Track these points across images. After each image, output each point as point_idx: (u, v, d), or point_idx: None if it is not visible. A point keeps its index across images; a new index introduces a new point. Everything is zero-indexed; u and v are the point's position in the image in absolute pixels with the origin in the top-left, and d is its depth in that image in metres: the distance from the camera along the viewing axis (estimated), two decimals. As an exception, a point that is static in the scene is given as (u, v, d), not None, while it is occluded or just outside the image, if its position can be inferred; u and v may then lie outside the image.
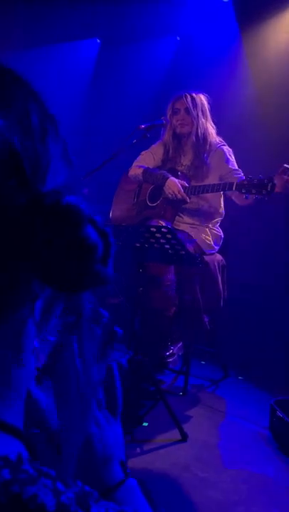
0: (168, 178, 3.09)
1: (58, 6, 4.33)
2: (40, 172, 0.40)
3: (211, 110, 3.22)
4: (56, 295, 0.44)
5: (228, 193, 3.06)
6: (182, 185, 3.07)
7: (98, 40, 5.15)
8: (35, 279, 0.39)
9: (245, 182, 2.75)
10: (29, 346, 0.41)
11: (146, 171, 3.26)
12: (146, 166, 3.33)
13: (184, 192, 3.05)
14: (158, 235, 2.42)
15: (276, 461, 2.38)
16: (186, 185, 3.11)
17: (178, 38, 4.93)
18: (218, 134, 3.27)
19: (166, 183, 3.08)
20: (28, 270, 0.37)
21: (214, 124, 3.26)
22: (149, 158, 3.39)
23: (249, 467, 2.31)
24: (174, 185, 3.05)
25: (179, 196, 3.03)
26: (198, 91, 3.21)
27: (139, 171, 3.28)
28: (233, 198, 3.10)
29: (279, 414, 2.51)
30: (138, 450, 2.34)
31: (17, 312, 0.40)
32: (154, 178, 3.20)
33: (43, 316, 0.43)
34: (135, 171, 3.32)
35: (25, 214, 0.36)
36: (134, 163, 3.38)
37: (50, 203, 0.36)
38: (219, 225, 3.30)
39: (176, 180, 3.08)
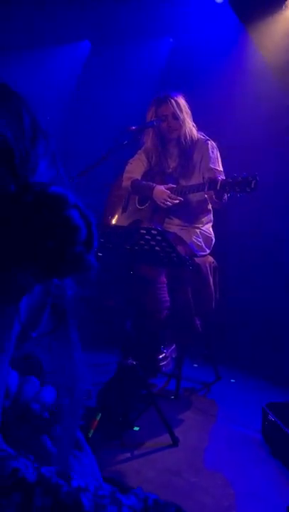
0: (154, 187, 3.11)
1: (48, 9, 4.31)
2: (29, 167, 0.44)
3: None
4: (44, 297, 0.46)
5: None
6: (169, 188, 3.06)
7: (89, 43, 5.12)
8: (22, 273, 0.41)
9: (230, 180, 2.74)
10: (13, 339, 0.44)
11: (134, 183, 3.28)
12: (137, 175, 3.33)
13: (172, 194, 3.04)
14: (148, 237, 2.40)
15: (268, 465, 2.35)
16: (174, 186, 3.11)
17: (171, 40, 4.92)
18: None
19: (154, 193, 3.10)
20: (16, 255, 0.39)
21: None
22: (138, 165, 3.38)
23: (241, 471, 2.28)
24: (162, 192, 3.07)
25: (169, 202, 3.04)
26: (176, 92, 3.19)
27: (128, 182, 3.30)
28: (207, 198, 3.08)
29: (271, 417, 2.48)
30: (128, 455, 2.31)
31: (11, 303, 0.42)
32: (141, 190, 3.23)
33: (31, 316, 0.45)
34: (126, 182, 3.34)
35: (14, 199, 0.39)
36: (125, 174, 3.38)
37: (38, 191, 0.40)
38: (211, 227, 3.29)
39: (162, 187, 3.09)
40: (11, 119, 0.45)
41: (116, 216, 3.41)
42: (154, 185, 3.12)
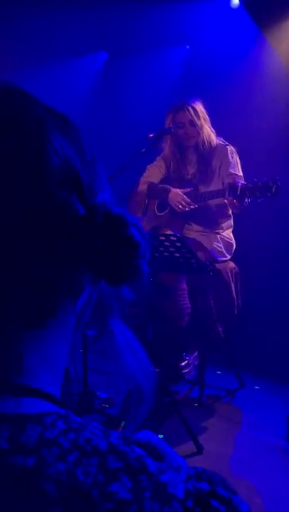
0: (170, 190, 3.12)
1: (63, 21, 4.36)
2: (93, 191, 0.50)
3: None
4: (93, 291, 0.53)
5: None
6: (188, 193, 3.06)
7: (105, 53, 5.17)
8: (86, 276, 0.48)
9: (250, 185, 2.72)
10: (70, 334, 0.50)
11: (150, 186, 3.29)
12: (154, 180, 3.35)
13: (190, 199, 3.04)
14: (167, 244, 2.40)
15: (294, 473, 2.31)
16: (191, 189, 3.13)
17: (187, 47, 4.92)
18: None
19: (169, 196, 3.12)
20: (84, 269, 0.47)
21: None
22: (155, 171, 3.39)
23: (267, 479, 2.25)
24: (177, 195, 3.09)
25: (185, 205, 3.05)
26: (194, 98, 3.19)
27: (145, 186, 3.32)
28: (226, 203, 3.06)
29: (296, 424, 2.44)
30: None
31: (68, 309, 0.49)
32: (157, 193, 3.24)
33: (82, 310, 0.52)
34: (142, 186, 3.35)
35: (84, 221, 0.46)
36: (142, 179, 3.40)
37: (103, 213, 0.47)
38: (231, 232, 3.27)
39: (178, 191, 3.10)
40: (75, 147, 0.50)
41: None
42: (170, 188, 3.14)
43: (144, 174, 3.41)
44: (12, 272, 0.44)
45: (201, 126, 3.12)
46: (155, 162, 3.41)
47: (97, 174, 0.52)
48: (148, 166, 3.42)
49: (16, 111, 0.48)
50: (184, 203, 3.06)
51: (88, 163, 0.51)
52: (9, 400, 0.41)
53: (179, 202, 3.07)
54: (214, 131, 3.21)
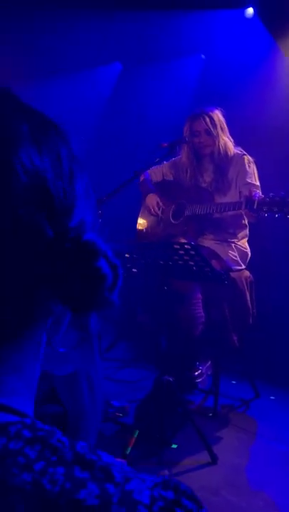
0: (148, 193, 3.39)
1: (78, 33, 4.41)
2: (66, 210, 0.46)
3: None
4: (64, 312, 0.51)
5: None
6: (203, 203, 3.09)
7: (120, 64, 5.21)
8: (52, 299, 0.46)
9: (267, 199, 2.70)
10: (42, 351, 0.49)
11: (143, 181, 3.47)
12: (153, 178, 3.50)
13: (206, 209, 3.04)
14: (181, 252, 2.39)
15: (311, 485, 2.28)
16: (162, 206, 3.38)
17: (203, 57, 4.94)
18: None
19: (146, 198, 3.39)
20: (48, 292, 0.45)
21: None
22: (156, 173, 3.49)
23: (283, 491, 2.21)
24: (152, 198, 3.37)
25: (153, 211, 3.35)
26: (213, 107, 3.20)
27: (141, 178, 3.45)
28: (242, 213, 3.05)
29: (312, 435, 2.41)
30: (166, 472, 2.28)
31: (38, 325, 0.47)
32: (143, 189, 3.47)
33: (52, 328, 0.51)
34: (141, 177, 3.45)
35: (51, 245, 0.43)
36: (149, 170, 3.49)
37: (73, 238, 0.44)
38: (247, 242, 3.25)
39: (154, 196, 3.38)
40: (49, 157, 0.46)
41: (150, 228, 3.43)
42: (151, 191, 3.40)
43: (152, 168, 3.44)
44: None
45: (217, 135, 3.12)
46: (163, 165, 3.45)
47: (74, 189, 0.48)
48: (155, 167, 3.46)
49: None
50: (155, 208, 3.35)
51: (65, 177, 0.47)
52: None
53: (152, 206, 3.34)
54: (232, 140, 3.21)
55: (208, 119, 3.12)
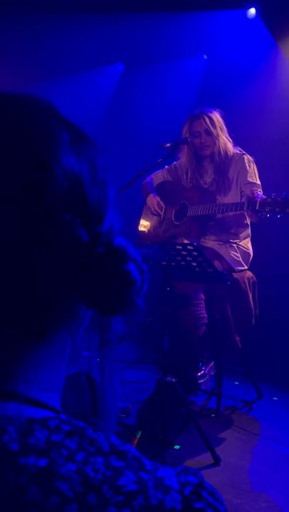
0: (149, 194, 3.44)
1: (80, 34, 4.40)
2: (99, 216, 0.49)
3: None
4: (86, 314, 0.53)
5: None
6: (205, 204, 3.09)
7: (121, 65, 5.20)
8: (80, 303, 0.48)
9: (270, 200, 2.70)
10: (67, 351, 0.52)
11: (145, 184, 3.53)
12: (153, 182, 3.54)
13: (208, 210, 3.04)
14: (184, 253, 2.39)
15: (314, 486, 2.27)
16: (162, 205, 3.39)
17: (205, 57, 4.94)
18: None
19: (147, 198, 3.43)
20: (76, 294, 0.47)
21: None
22: (158, 178, 3.52)
23: (285, 493, 2.21)
24: (152, 199, 3.40)
25: (154, 210, 3.39)
26: (212, 108, 3.20)
27: (145, 181, 3.52)
28: (245, 213, 3.04)
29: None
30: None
31: (65, 325, 0.50)
32: (143, 191, 3.51)
33: (76, 330, 0.53)
34: (145, 181, 3.53)
35: (85, 249, 0.46)
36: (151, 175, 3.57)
37: (105, 243, 0.47)
38: (249, 242, 3.25)
39: (155, 196, 3.41)
40: (86, 165, 0.48)
41: (152, 230, 3.44)
42: (151, 192, 3.45)
43: (154, 173, 3.52)
44: (10, 289, 0.44)
45: (217, 135, 3.12)
46: (164, 169, 3.50)
47: (106, 197, 0.51)
48: (165, 167, 3.50)
49: (29, 123, 0.46)
50: (156, 207, 3.37)
51: (99, 185, 0.50)
52: (13, 407, 0.43)
53: (152, 205, 3.38)
54: (231, 140, 3.21)
55: (207, 120, 3.12)
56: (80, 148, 0.49)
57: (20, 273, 0.44)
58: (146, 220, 3.51)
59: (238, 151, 3.19)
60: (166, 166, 3.48)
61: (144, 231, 3.49)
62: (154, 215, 3.43)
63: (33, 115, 0.48)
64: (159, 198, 3.39)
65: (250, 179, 3.09)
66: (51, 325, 0.48)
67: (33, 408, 0.44)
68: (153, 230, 3.44)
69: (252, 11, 4.39)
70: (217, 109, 3.21)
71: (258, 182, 3.11)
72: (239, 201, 2.97)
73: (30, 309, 0.45)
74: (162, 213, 3.39)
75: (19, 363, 0.46)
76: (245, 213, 2.99)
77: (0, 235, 0.43)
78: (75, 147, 0.48)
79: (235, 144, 3.25)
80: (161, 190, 3.44)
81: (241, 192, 3.09)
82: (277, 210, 2.67)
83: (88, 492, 0.38)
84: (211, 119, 3.12)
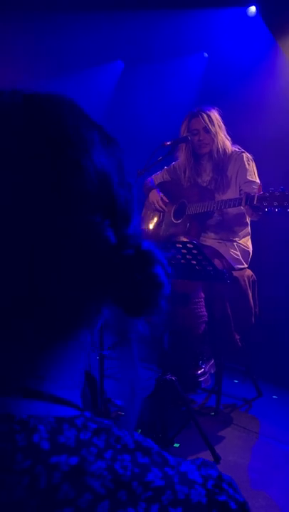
0: (151, 190, 3.44)
1: (80, 32, 4.39)
2: (126, 217, 0.50)
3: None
4: (105, 313, 0.54)
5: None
6: (203, 201, 3.09)
7: (121, 63, 5.19)
8: (104, 303, 0.49)
9: (267, 194, 2.70)
10: (87, 349, 0.52)
11: (145, 184, 3.54)
12: (154, 182, 3.54)
13: (206, 208, 3.04)
14: (184, 251, 2.39)
15: (313, 484, 2.27)
16: (166, 200, 3.38)
17: (205, 55, 4.92)
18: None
19: (149, 195, 3.43)
20: (102, 294, 0.48)
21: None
22: (157, 179, 3.53)
23: (285, 491, 2.21)
24: (155, 195, 3.39)
25: (158, 205, 3.37)
26: (210, 106, 3.20)
27: (146, 181, 3.54)
28: (244, 211, 3.04)
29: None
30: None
31: (88, 325, 0.51)
32: (145, 190, 3.52)
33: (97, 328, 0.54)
34: (146, 180, 3.55)
35: (113, 251, 0.46)
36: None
37: (133, 245, 0.48)
38: (249, 240, 3.24)
39: (157, 192, 3.40)
40: (114, 165, 0.49)
41: (152, 229, 3.44)
42: (152, 188, 3.45)
43: (154, 175, 3.54)
44: (38, 288, 0.44)
45: (216, 133, 3.12)
46: (163, 170, 3.51)
47: (133, 199, 0.51)
48: (157, 173, 3.52)
49: (63, 123, 0.47)
50: (160, 202, 3.36)
51: (126, 186, 0.50)
52: (41, 406, 0.44)
53: (156, 201, 3.36)
54: (230, 139, 3.21)
55: (206, 117, 3.12)
56: (109, 149, 0.50)
57: (48, 272, 0.44)
58: (146, 219, 3.51)
59: (237, 149, 3.19)
60: (166, 167, 3.48)
61: (144, 230, 3.49)
62: (158, 211, 3.42)
63: (67, 115, 0.48)
64: (162, 194, 3.39)
65: (249, 177, 3.09)
66: (76, 324, 0.49)
67: (59, 406, 0.45)
68: (152, 229, 3.44)
69: (252, 9, 4.38)
70: (215, 108, 3.21)
71: (257, 180, 3.11)
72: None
73: (56, 309, 0.46)
74: (166, 209, 3.39)
75: (44, 362, 0.47)
76: (244, 210, 2.99)
77: (32, 234, 0.43)
78: (105, 148, 0.49)
79: (236, 141, 3.25)
80: (160, 190, 3.44)
81: (240, 191, 3.09)
82: (275, 204, 2.67)
83: (119, 489, 0.39)
84: (209, 116, 3.12)
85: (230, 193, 3.13)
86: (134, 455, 0.42)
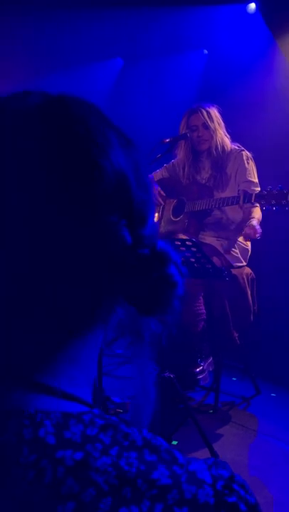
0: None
1: (79, 28, 4.37)
2: (143, 218, 0.50)
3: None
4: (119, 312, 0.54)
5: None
6: (201, 198, 3.09)
7: (121, 60, 5.17)
8: (119, 301, 0.50)
9: (265, 192, 2.70)
10: (99, 346, 0.53)
11: None
12: (155, 177, 3.50)
13: (205, 205, 3.03)
14: (183, 249, 2.39)
15: (311, 482, 2.27)
16: (163, 194, 3.36)
17: (205, 52, 4.91)
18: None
19: None
20: (116, 293, 0.49)
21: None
22: (156, 176, 3.51)
23: (283, 488, 2.21)
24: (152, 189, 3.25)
25: (155, 200, 3.30)
26: (210, 103, 3.20)
27: None
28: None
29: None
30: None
31: (102, 323, 0.51)
32: None
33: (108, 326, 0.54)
34: None
35: (129, 251, 0.47)
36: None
37: (149, 245, 0.49)
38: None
39: (155, 186, 3.34)
40: (131, 166, 0.49)
41: None
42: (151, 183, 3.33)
43: (153, 172, 3.51)
44: (54, 286, 0.45)
45: (215, 129, 3.11)
46: (162, 168, 3.49)
47: (150, 200, 0.52)
48: (156, 171, 3.51)
49: (84, 124, 0.47)
50: (157, 196, 3.32)
51: (142, 187, 0.51)
52: (50, 401, 0.44)
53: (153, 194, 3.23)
54: (229, 136, 3.20)
55: (205, 113, 3.11)
56: (127, 150, 0.50)
57: (64, 271, 0.45)
58: None
59: (237, 147, 3.18)
60: (165, 165, 3.47)
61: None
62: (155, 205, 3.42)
63: (88, 116, 0.49)
64: (159, 188, 3.38)
65: (248, 177, 3.08)
66: (90, 322, 0.49)
67: (69, 402, 0.45)
68: None
69: (252, 5, 4.37)
70: (215, 105, 3.20)
71: (256, 180, 3.11)
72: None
73: (72, 307, 0.47)
74: (163, 203, 3.38)
75: (58, 358, 0.47)
76: (242, 209, 2.99)
77: (50, 232, 0.44)
78: (123, 149, 0.49)
79: (235, 138, 3.24)
80: (159, 187, 3.44)
81: (238, 191, 3.08)
82: (272, 202, 2.67)
83: (123, 485, 0.39)
84: (208, 112, 3.11)
85: (229, 192, 3.12)
86: (142, 452, 0.42)
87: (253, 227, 2.83)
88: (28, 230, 0.44)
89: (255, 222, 2.87)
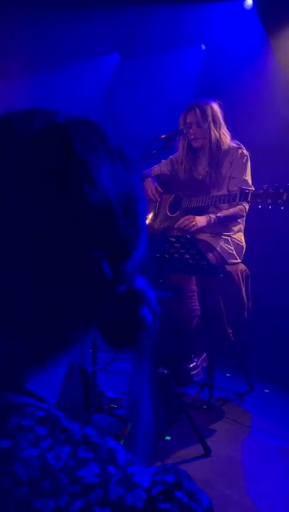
0: (145, 178, 3.42)
1: (76, 23, 4.35)
2: (125, 253, 0.50)
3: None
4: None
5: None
6: (197, 195, 3.09)
7: (117, 55, 5.14)
8: (91, 328, 0.51)
9: (261, 191, 2.70)
10: (71, 359, 0.53)
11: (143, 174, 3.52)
12: (153, 172, 3.50)
13: (201, 202, 3.03)
14: (177, 245, 2.39)
15: (303, 478, 2.29)
16: (160, 191, 3.37)
17: (203, 47, 4.89)
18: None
19: (144, 183, 3.39)
20: (93, 323, 0.51)
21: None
22: (155, 171, 3.50)
23: (277, 484, 2.23)
24: (149, 183, 3.37)
25: (151, 194, 3.34)
26: (210, 99, 3.18)
27: (144, 172, 3.52)
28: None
29: (306, 429, 2.42)
30: (159, 464, 2.28)
31: (73, 345, 0.52)
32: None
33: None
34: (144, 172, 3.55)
35: (106, 285, 0.47)
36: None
37: (126, 282, 0.49)
38: (242, 235, 3.24)
39: (152, 181, 3.37)
40: (124, 194, 0.49)
41: (147, 222, 3.44)
42: (147, 177, 3.42)
43: (153, 167, 3.51)
44: (32, 313, 0.46)
45: (208, 127, 3.09)
46: (162, 163, 3.48)
47: (138, 233, 0.51)
48: (155, 166, 3.50)
49: (68, 147, 0.47)
50: (153, 191, 3.33)
51: (132, 219, 0.50)
52: (8, 395, 0.45)
53: (150, 189, 3.34)
54: (228, 133, 3.18)
55: (198, 111, 3.09)
56: (123, 175, 0.50)
57: (41, 294, 0.45)
58: None
59: (235, 145, 3.17)
60: (163, 160, 3.46)
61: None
62: (151, 201, 3.40)
63: (82, 150, 0.47)
64: (157, 184, 3.37)
65: (243, 177, 3.09)
66: (65, 343, 0.50)
67: (23, 397, 0.46)
68: (148, 222, 3.43)
69: (249, 1, 4.36)
70: (216, 101, 3.17)
71: (247, 178, 3.10)
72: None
73: (47, 328, 0.48)
74: (160, 200, 3.38)
75: (31, 371, 0.48)
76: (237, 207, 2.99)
77: (30, 255, 0.44)
78: (116, 175, 0.49)
79: (233, 133, 3.22)
80: (156, 182, 3.43)
81: (229, 190, 3.08)
82: (268, 201, 2.67)
83: (44, 477, 0.38)
84: (203, 110, 3.09)
85: (225, 189, 3.12)
86: (77, 448, 0.41)
87: (193, 218, 2.96)
88: (5, 253, 0.44)
89: (210, 216, 3.00)
